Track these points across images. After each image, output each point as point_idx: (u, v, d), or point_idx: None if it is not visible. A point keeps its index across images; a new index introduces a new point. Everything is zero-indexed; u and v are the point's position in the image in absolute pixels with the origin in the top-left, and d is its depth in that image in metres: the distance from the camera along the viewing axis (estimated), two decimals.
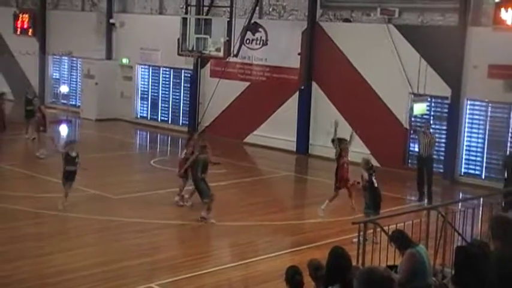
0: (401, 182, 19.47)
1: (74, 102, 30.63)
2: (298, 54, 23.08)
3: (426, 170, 17.52)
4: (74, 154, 14.84)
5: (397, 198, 17.28)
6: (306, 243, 13.40)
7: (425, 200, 17.18)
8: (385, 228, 9.62)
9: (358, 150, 19.09)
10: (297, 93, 23.10)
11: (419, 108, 19.20)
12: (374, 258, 9.49)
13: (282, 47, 23.64)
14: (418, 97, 19.47)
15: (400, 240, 8.51)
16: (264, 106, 23.97)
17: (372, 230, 11.99)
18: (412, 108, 19.02)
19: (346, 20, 22.34)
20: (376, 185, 13.52)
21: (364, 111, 21.23)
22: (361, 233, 9.36)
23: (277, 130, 23.50)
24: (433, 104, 20.49)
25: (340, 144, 15.27)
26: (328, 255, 6.74)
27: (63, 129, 25.40)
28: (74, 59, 30.86)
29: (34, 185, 17.08)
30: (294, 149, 23.07)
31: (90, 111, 28.56)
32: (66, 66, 31.79)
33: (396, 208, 15.41)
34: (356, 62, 21.74)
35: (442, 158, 20.10)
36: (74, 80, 31.28)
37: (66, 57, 31.42)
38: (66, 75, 31.81)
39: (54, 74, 32.30)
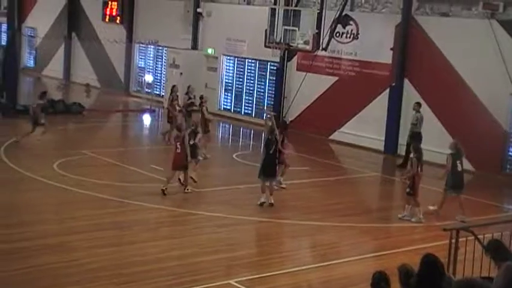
0: (498, 188, 18.67)
1: (158, 92, 30.65)
2: (391, 49, 22.37)
3: None
4: None
5: (493, 206, 16.64)
6: (391, 248, 12.89)
7: None
8: (480, 237, 9.19)
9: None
10: (388, 90, 22.39)
11: None
12: (466, 268, 9.13)
13: (373, 41, 22.93)
14: None
15: (497, 250, 7.77)
16: (352, 102, 23.36)
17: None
18: None
19: (444, 15, 21.41)
20: (459, 169, 15.09)
21: (460, 112, 20.44)
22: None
23: (365, 128, 22.85)
24: None
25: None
26: (421, 261, 6.61)
27: (147, 119, 25.42)
28: (160, 47, 30.87)
29: (118, 174, 17.13)
30: (382, 149, 22.38)
31: None
32: (151, 55, 31.89)
33: (492, 216, 14.71)
34: (453, 59, 20.81)
35: None
36: (159, 69, 31.28)
37: (152, 46, 31.48)
38: (151, 64, 31.88)
39: (140, 62, 32.47)
